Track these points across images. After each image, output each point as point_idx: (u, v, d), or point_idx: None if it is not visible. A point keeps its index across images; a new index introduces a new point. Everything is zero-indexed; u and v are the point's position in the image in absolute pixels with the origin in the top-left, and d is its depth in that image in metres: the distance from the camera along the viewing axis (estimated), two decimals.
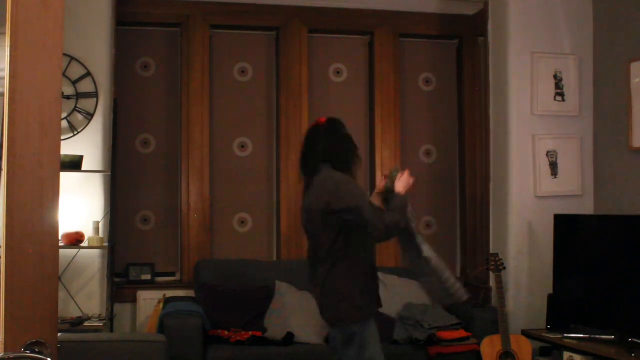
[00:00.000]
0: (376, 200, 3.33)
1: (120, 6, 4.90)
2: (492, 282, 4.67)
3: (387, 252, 5.12)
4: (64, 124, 4.48)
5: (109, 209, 4.54)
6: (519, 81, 4.79)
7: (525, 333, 4.38)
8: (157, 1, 5.18)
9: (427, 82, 5.62)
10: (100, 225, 4.45)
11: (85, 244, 4.36)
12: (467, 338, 4.42)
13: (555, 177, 4.78)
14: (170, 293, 4.91)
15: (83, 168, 4.38)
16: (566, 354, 4.09)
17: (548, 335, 4.27)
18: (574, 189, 4.81)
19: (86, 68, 4.58)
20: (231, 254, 5.19)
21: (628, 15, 4.56)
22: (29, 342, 1.32)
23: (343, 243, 3.14)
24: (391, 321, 4.49)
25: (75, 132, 4.53)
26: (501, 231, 4.85)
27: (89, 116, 4.57)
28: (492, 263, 4.41)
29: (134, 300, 4.91)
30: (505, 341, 4.16)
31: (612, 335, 4.01)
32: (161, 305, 4.65)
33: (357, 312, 3.13)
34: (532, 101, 4.77)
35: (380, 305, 3.29)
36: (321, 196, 3.16)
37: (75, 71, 4.55)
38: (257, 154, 5.35)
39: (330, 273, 3.15)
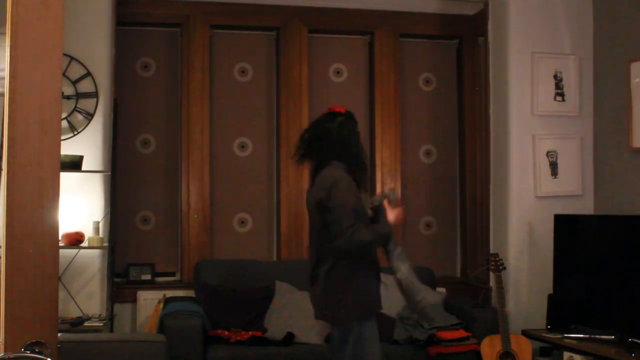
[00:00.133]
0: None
1: (120, 6, 4.90)
2: (492, 282, 4.67)
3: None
4: (64, 124, 4.48)
5: (109, 209, 4.54)
6: (519, 81, 4.79)
7: (525, 333, 4.38)
8: (157, 1, 5.18)
9: (427, 82, 5.62)
10: (100, 225, 4.45)
11: (85, 244, 4.36)
12: (467, 338, 4.42)
13: (555, 177, 4.78)
14: (170, 293, 4.91)
15: (83, 168, 4.38)
16: (566, 354, 4.09)
17: (548, 335, 4.27)
18: (574, 189, 4.81)
19: (86, 68, 4.58)
20: (231, 254, 5.19)
21: (628, 15, 4.56)
22: (29, 342, 1.32)
23: None
24: (391, 321, 4.49)
25: (75, 132, 4.53)
26: (501, 231, 4.84)
27: (89, 116, 4.57)
28: (492, 263, 4.41)
29: (134, 300, 4.91)
30: (505, 341, 4.16)
31: (612, 335, 4.01)
32: (161, 305, 4.65)
33: (357, 310, 3.12)
34: (532, 101, 4.77)
35: (380, 307, 3.26)
36: (318, 193, 3.15)
37: (75, 71, 4.55)
38: (257, 154, 5.35)
39: (332, 271, 3.14)
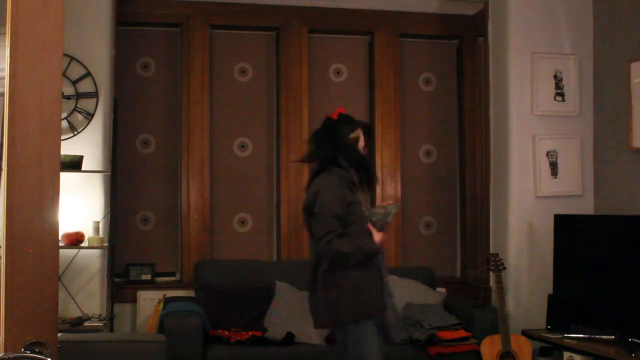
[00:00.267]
0: None
1: (120, 6, 4.90)
2: (492, 282, 4.67)
3: (387, 253, 5.11)
4: (64, 124, 4.48)
5: (109, 209, 4.54)
6: (519, 81, 4.78)
7: (525, 333, 4.38)
8: (157, 1, 5.18)
9: (427, 82, 5.62)
10: (100, 225, 4.45)
11: (85, 244, 4.36)
12: (467, 338, 4.42)
13: (555, 177, 4.78)
14: (170, 293, 4.91)
15: (83, 168, 4.38)
16: (566, 354, 4.09)
17: (548, 335, 4.27)
18: (574, 189, 4.81)
19: (86, 68, 4.58)
20: (231, 254, 5.19)
21: (628, 15, 4.56)
22: (29, 342, 1.32)
23: None
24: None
25: (75, 132, 4.53)
26: (501, 231, 4.84)
27: (89, 116, 4.57)
28: (492, 263, 4.41)
29: (134, 300, 4.91)
30: (505, 341, 4.16)
31: (612, 335, 4.01)
32: (161, 305, 4.65)
33: (353, 311, 3.12)
34: (532, 101, 4.77)
35: (383, 307, 3.23)
36: (307, 198, 3.25)
37: (75, 71, 4.55)
38: (257, 154, 5.35)
39: (328, 272, 3.15)
